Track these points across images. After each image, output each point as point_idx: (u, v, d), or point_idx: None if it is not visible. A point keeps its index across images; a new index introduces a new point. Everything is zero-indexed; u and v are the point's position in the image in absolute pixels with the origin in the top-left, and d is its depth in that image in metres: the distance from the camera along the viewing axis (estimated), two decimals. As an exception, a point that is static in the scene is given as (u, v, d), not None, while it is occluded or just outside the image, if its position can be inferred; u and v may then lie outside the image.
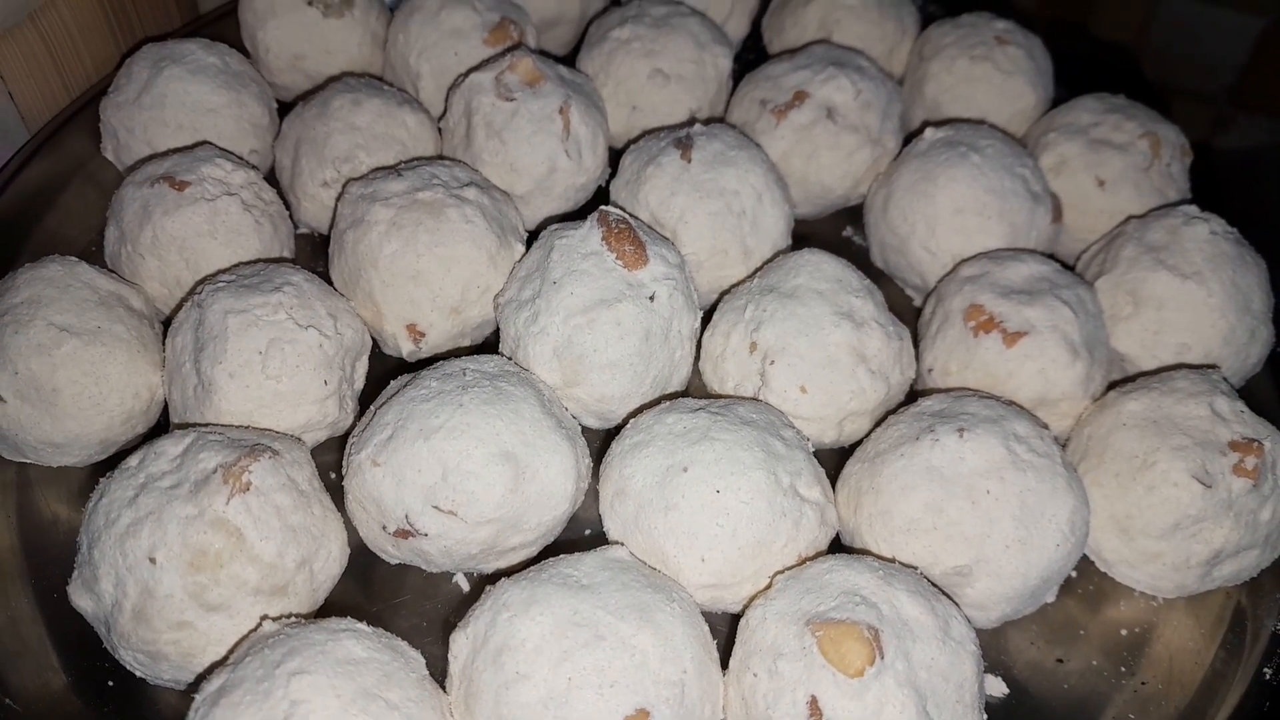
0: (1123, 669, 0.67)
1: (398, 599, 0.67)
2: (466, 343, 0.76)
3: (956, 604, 0.57)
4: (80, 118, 0.88)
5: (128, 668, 0.58)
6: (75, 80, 0.89)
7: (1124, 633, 0.69)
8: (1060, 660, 0.67)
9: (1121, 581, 0.69)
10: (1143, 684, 0.66)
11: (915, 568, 0.60)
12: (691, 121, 0.83)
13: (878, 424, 0.70)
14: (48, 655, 0.63)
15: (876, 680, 0.51)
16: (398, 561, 0.65)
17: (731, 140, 0.79)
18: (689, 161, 0.77)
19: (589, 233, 0.70)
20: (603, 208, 0.71)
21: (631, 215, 0.72)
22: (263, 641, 0.53)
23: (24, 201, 0.83)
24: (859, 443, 0.70)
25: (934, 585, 0.58)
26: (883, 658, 0.51)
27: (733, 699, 0.55)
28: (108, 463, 0.70)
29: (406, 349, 0.73)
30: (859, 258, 0.85)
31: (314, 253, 0.85)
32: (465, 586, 0.67)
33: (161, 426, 0.72)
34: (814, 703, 0.51)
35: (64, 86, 0.88)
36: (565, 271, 0.68)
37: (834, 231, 0.91)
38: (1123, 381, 0.73)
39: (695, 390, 0.74)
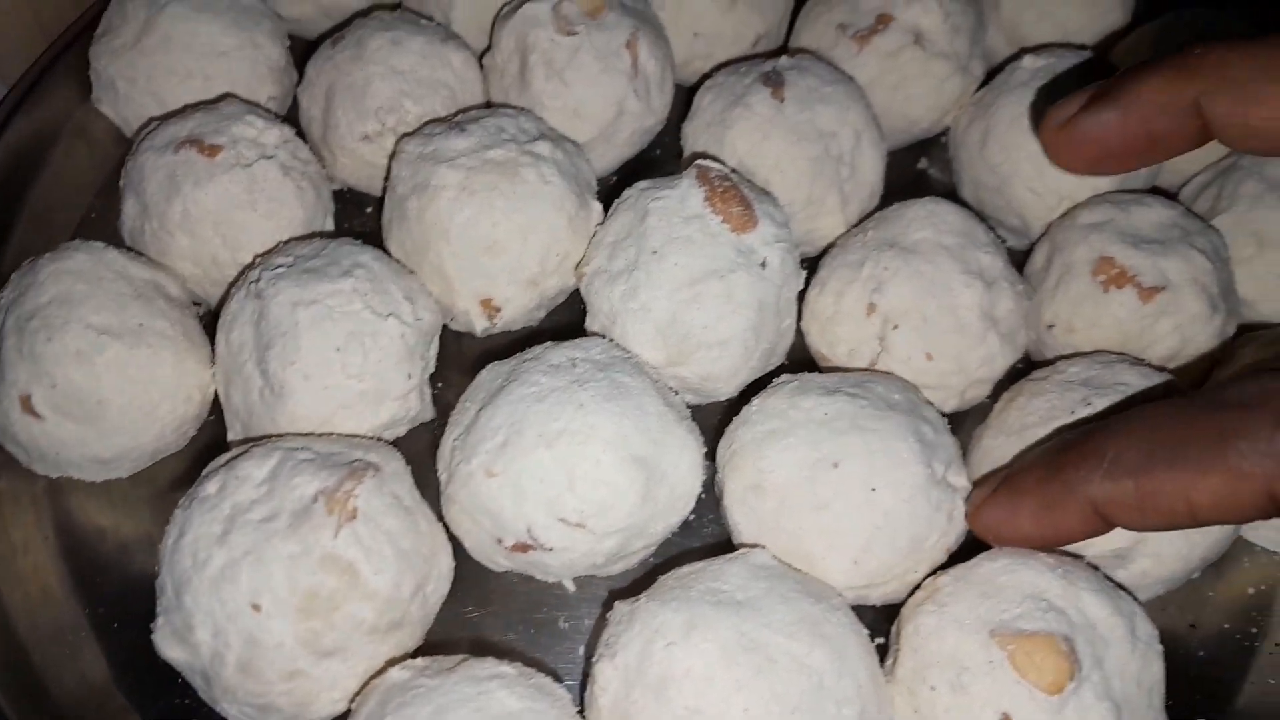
0: (1254, 630, 0.64)
1: (493, 603, 0.61)
2: (542, 314, 0.69)
3: (1135, 598, 0.53)
4: (61, 63, 0.77)
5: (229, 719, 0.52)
6: (50, 19, 0.77)
7: (1251, 591, 0.66)
8: (1192, 626, 0.64)
9: (1251, 539, 0.66)
10: (1277, 645, 0.64)
11: (1081, 556, 0.55)
12: (778, 52, 0.75)
13: (998, 389, 0.66)
14: (114, 697, 0.57)
15: (1075, 695, 0.47)
16: (504, 570, 0.59)
17: (825, 74, 0.71)
18: (782, 101, 0.69)
19: (688, 193, 0.62)
20: (700, 163, 0.63)
21: (731, 169, 0.64)
22: (398, 696, 0.47)
23: (12, 163, 0.72)
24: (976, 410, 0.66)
25: (1107, 577, 0.54)
26: (1080, 670, 0.48)
27: (902, 709, 0.51)
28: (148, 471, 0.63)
29: (480, 326, 0.66)
30: (938, 194, 0.79)
31: (344, 212, 0.76)
32: (571, 587, 0.62)
33: (212, 426, 0.64)
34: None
35: (39, 26, 0.76)
36: (666, 239, 0.61)
37: (909, 164, 0.84)
38: (1242, 330, 0.69)
39: (795, 352, 0.68)
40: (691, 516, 0.64)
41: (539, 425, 0.53)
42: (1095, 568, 0.54)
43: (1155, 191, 0.75)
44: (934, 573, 0.56)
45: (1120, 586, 0.54)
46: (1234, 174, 0.73)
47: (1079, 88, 0.72)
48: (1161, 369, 0.62)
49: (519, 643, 0.60)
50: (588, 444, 0.53)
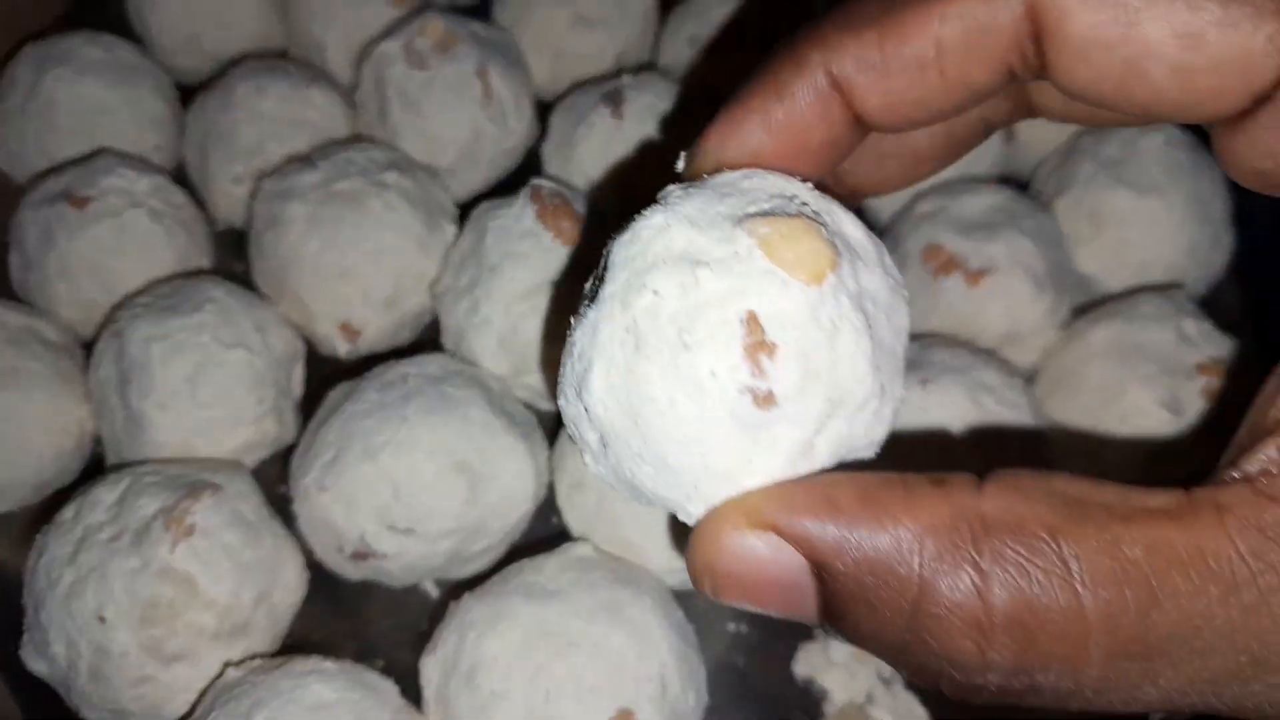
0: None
1: (366, 612, 0.65)
2: (406, 335, 0.73)
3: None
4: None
5: (94, 725, 0.57)
6: (-44, 88, 0.83)
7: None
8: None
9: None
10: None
11: None
12: (619, 73, 0.78)
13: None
14: (12, 711, 0.62)
15: (833, 296, 0.34)
16: (359, 579, 0.63)
17: (663, 91, 0.74)
18: (621, 118, 0.73)
19: (522, 211, 0.66)
20: (534, 181, 0.67)
21: (566, 186, 0.68)
22: (227, 692, 0.51)
23: (-80, 226, 0.78)
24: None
25: None
26: (842, 264, 0.34)
27: (609, 330, 0.34)
28: (47, 501, 0.68)
29: (343, 349, 0.70)
30: (809, 193, 0.82)
31: (238, 251, 0.80)
32: (434, 592, 0.66)
33: (99, 458, 0.69)
34: (752, 319, 0.33)
35: (-56, 96, 0.82)
36: (502, 255, 0.65)
37: (779, 168, 0.87)
38: (1090, 305, 0.71)
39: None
40: (556, 520, 0.68)
41: (364, 439, 0.58)
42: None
43: (1006, 179, 0.78)
44: None
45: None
46: (1072, 156, 0.75)
47: None
48: (982, 350, 0.65)
49: (386, 647, 0.64)
50: (409, 454, 0.57)
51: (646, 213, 0.36)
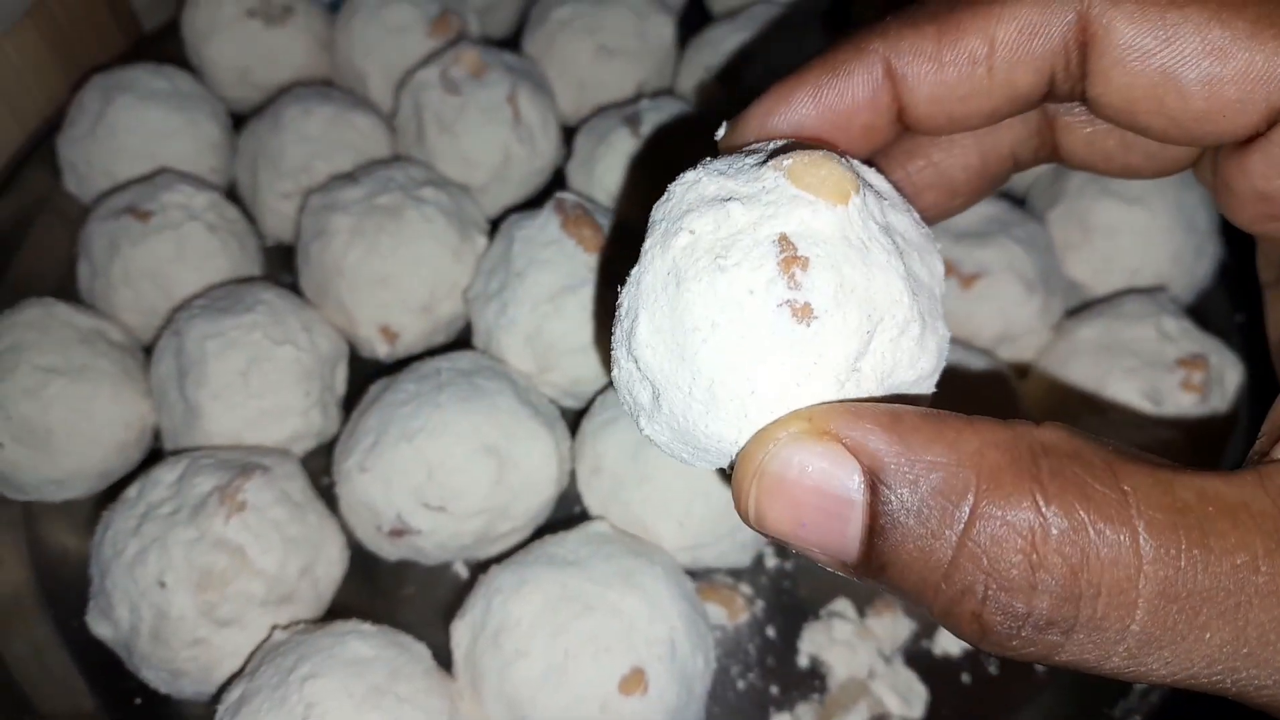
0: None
1: (402, 592, 0.70)
2: (441, 338, 0.78)
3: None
4: (38, 153, 0.89)
5: (152, 686, 0.62)
6: (27, 115, 0.90)
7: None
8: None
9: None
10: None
11: None
12: (638, 97, 0.84)
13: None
14: (74, 680, 0.67)
15: (860, 219, 0.35)
16: (396, 558, 0.68)
17: (676, 110, 0.80)
18: (639, 138, 0.78)
19: (547, 221, 0.71)
20: (558, 195, 0.73)
21: (587, 198, 0.73)
22: (275, 650, 0.56)
23: (-2, 241, 0.85)
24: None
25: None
26: (863, 188, 0.36)
27: (656, 270, 0.36)
28: (109, 491, 0.73)
29: (382, 351, 0.76)
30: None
31: (285, 263, 0.86)
32: (465, 573, 0.70)
33: (157, 452, 0.74)
34: (784, 239, 0.35)
35: (17, 123, 0.89)
36: (528, 262, 0.70)
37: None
38: (1080, 309, 0.75)
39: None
40: (578, 509, 0.73)
41: (401, 425, 0.63)
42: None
43: (1004, 195, 0.83)
44: None
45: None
46: (1064, 170, 0.80)
47: None
48: (971, 346, 0.69)
49: (420, 625, 0.68)
50: (442, 437, 0.62)
51: (679, 176, 0.37)
